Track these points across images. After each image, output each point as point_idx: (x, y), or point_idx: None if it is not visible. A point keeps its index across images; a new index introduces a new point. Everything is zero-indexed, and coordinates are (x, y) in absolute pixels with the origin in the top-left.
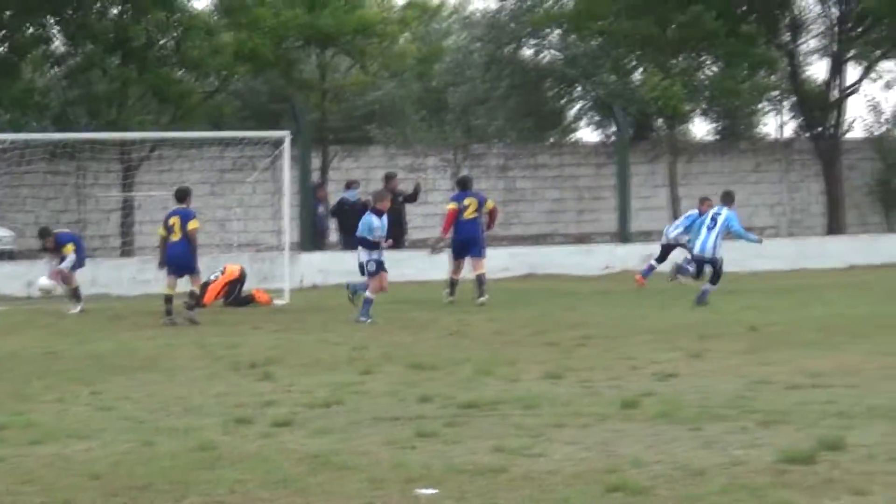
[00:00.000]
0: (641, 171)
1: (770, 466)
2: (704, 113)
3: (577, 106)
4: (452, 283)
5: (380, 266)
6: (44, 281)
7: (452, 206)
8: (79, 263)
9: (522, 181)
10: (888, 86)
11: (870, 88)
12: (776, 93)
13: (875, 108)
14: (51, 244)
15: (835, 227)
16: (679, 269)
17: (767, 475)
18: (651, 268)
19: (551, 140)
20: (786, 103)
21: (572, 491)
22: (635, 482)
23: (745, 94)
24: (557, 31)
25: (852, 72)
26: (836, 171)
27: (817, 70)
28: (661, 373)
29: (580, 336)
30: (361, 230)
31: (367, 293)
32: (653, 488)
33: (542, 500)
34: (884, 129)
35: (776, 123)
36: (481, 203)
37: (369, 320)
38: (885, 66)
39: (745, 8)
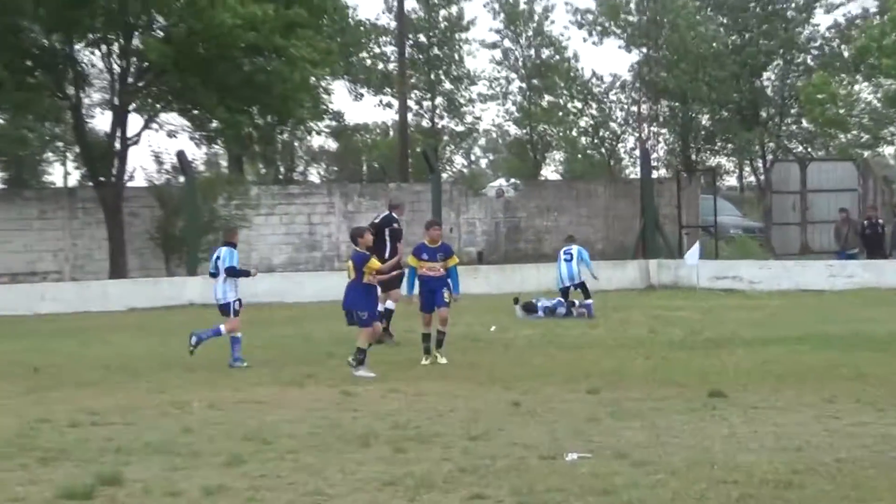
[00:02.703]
0: None
1: (49, 503)
2: None
3: None
4: None
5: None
6: None
7: None
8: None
9: None
10: (171, 135)
11: (153, 139)
12: (61, 143)
13: (157, 158)
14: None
15: (117, 271)
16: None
17: None
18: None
19: None
20: (70, 153)
21: None
22: None
23: (32, 143)
24: None
25: (137, 123)
26: (118, 218)
27: (103, 121)
28: None
29: None
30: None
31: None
32: None
33: None
34: (165, 178)
35: (62, 172)
36: None
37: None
38: (167, 117)
39: (30, 62)
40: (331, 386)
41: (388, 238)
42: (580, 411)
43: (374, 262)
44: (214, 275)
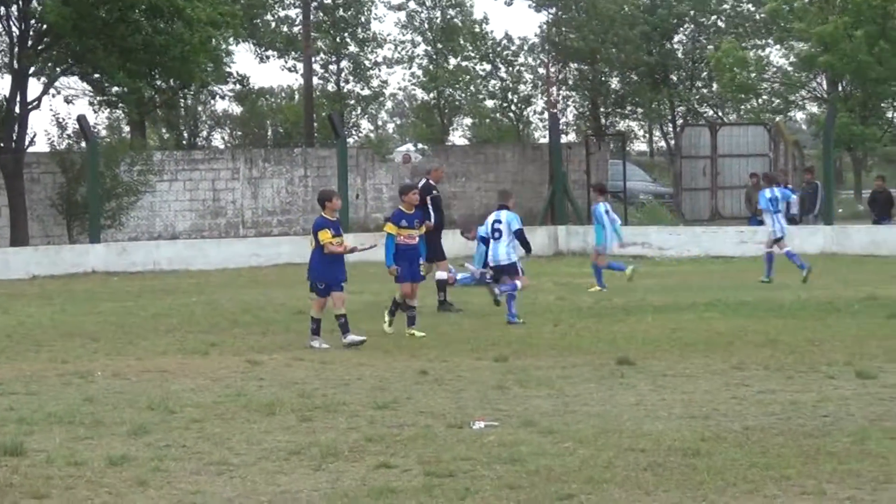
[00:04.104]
0: None
1: None
2: None
3: None
4: None
5: None
6: None
7: None
8: None
9: None
10: (68, 101)
11: (54, 103)
12: None
13: (58, 123)
14: None
15: (18, 239)
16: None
17: None
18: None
19: None
20: None
21: None
22: None
23: None
24: None
25: (36, 87)
26: (19, 184)
27: (2, 85)
28: None
29: None
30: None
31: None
32: None
33: None
34: (66, 144)
35: None
36: None
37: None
38: (67, 81)
39: None
40: (236, 354)
41: (430, 206)
42: (488, 379)
43: (324, 234)
44: (485, 240)
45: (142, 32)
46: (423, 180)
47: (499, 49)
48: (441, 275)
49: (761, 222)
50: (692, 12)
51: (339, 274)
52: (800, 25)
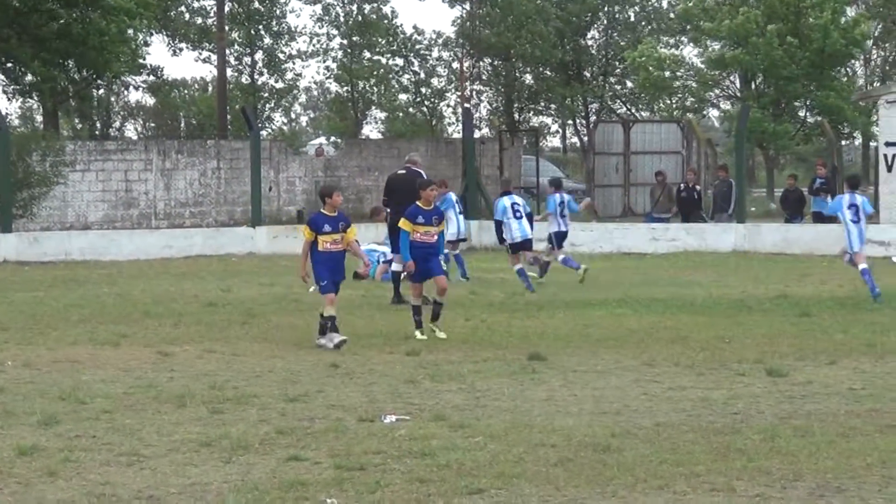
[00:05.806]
0: None
1: None
2: None
3: None
4: None
5: None
6: None
7: None
8: None
9: None
10: None
11: None
12: None
13: None
14: None
15: None
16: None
17: None
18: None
19: None
20: None
21: None
22: None
23: None
24: None
25: None
26: None
27: None
28: None
29: None
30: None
31: None
32: None
33: None
34: None
35: None
36: None
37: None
38: None
39: None
40: (147, 346)
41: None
42: (399, 373)
43: (304, 231)
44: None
45: (57, 21)
46: (421, 172)
47: (410, 44)
48: (396, 267)
49: (658, 220)
50: (605, 7)
51: (337, 273)
52: (709, 25)
